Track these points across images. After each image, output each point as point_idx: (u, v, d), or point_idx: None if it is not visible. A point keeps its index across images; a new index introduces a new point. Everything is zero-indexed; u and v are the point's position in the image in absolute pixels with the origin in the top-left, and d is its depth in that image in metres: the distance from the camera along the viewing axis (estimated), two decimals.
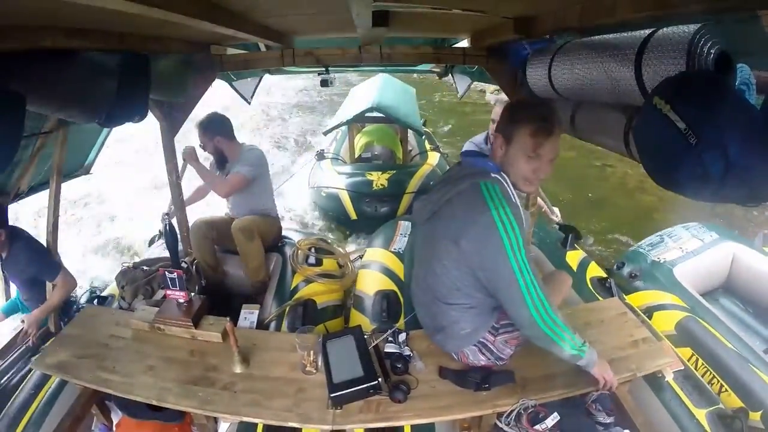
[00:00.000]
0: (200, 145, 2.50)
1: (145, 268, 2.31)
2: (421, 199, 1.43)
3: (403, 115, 4.30)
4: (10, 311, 2.26)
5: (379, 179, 4.02)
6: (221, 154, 2.50)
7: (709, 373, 1.98)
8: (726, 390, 1.86)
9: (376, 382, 1.33)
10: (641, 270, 2.55)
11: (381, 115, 4.29)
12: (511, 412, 1.33)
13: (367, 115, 4.29)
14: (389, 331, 1.55)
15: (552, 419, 1.31)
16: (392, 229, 2.66)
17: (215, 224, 2.52)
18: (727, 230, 2.90)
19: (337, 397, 1.31)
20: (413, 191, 3.89)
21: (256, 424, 1.44)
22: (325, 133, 4.73)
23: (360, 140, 4.86)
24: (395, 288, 2.16)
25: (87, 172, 2.49)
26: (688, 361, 2.04)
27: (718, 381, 1.91)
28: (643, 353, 1.49)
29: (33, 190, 2.00)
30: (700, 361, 2.04)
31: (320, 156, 4.75)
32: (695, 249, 2.67)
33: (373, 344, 1.51)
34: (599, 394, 1.44)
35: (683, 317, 2.22)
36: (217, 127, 2.45)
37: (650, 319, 2.24)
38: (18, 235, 1.97)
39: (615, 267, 2.67)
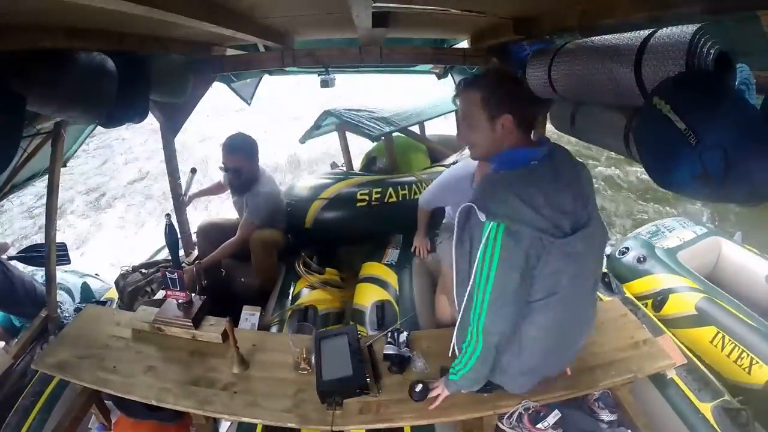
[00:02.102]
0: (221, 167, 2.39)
1: (144, 270, 2.31)
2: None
3: (375, 120, 3.54)
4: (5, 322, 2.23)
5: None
6: (240, 179, 2.37)
7: (737, 348, 2.04)
8: (757, 362, 1.93)
9: (364, 382, 1.33)
10: (647, 255, 2.61)
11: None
12: (513, 412, 1.33)
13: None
14: (388, 330, 1.56)
15: (553, 416, 1.31)
16: (382, 244, 2.67)
17: (222, 227, 2.51)
18: (711, 226, 3.09)
19: (323, 393, 1.31)
20: (326, 197, 3.11)
21: (255, 425, 1.44)
22: (302, 141, 3.99)
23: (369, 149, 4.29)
24: (390, 298, 2.16)
25: (64, 165, 2.40)
26: (713, 339, 2.14)
27: (748, 355, 1.97)
28: (644, 355, 1.48)
29: (17, 187, 1.95)
30: (727, 338, 2.10)
31: (333, 166, 4.33)
32: (690, 239, 2.83)
33: (368, 343, 1.51)
34: (601, 392, 1.44)
35: (701, 298, 2.29)
36: (235, 150, 2.31)
37: (666, 302, 2.33)
38: None
39: (618, 252, 2.68)
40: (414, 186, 2.87)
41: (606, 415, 1.44)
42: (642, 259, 2.58)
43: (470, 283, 1.11)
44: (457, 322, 1.25)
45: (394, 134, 3.82)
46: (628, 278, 2.45)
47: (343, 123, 3.56)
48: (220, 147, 2.36)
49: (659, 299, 2.37)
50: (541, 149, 1.13)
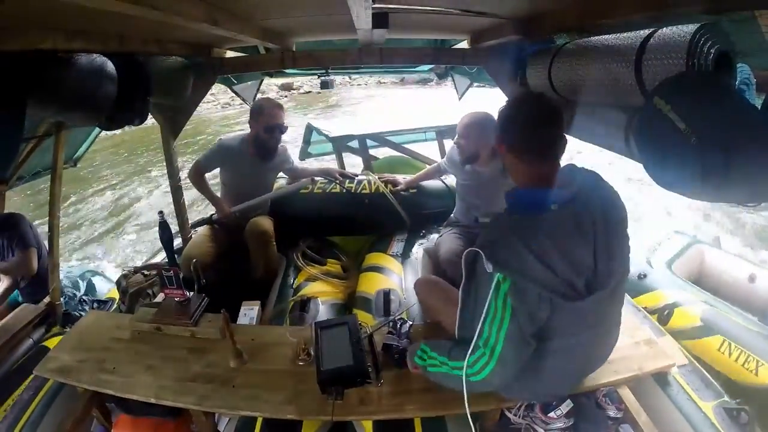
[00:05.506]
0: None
1: (146, 272, 2.31)
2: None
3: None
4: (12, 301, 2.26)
5: None
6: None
7: (744, 353, 2.23)
8: (763, 364, 2.13)
9: (365, 370, 1.32)
10: (647, 271, 2.74)
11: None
12: (522, 404, 1.34)
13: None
14: (390, 318, 1.55)
15: (566, 406, 1.33)
16: (388, 236, 2.68)
17: (213, 238, 2.46)
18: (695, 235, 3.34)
19: (323, 383, 1.29)
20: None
21: (255, 418, 1.44)
22: (300, 158, 3.91)
23: None
24: (396, 286, 2.16)
25: (74, 164, 2.50)
26: (720, 347, 2.32)
27: (754, 358, 2.17)
28: (645, 354, 1.49)
29: (23, 180, 2.04)
30: (734, 344, 2.28)
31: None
32: (680, 250, 3.07)
33: (367, 334, 1.50)
34: (609, 388, 1.45)
35: (706, 310, 2.47)
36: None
37: (672, 316, 2.50)
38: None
39: None
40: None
41: (612, 412, 1.45)
42: (642, 275, 2.73)
43: (476, 336, 1.01)
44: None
45: (390, 152, 3.89)
46: (632, 295, 2.50)
47: (333, 140, 3.64)
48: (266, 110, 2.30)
49: (665, 313, 2.50)
50: (563, 191, 0.98)
